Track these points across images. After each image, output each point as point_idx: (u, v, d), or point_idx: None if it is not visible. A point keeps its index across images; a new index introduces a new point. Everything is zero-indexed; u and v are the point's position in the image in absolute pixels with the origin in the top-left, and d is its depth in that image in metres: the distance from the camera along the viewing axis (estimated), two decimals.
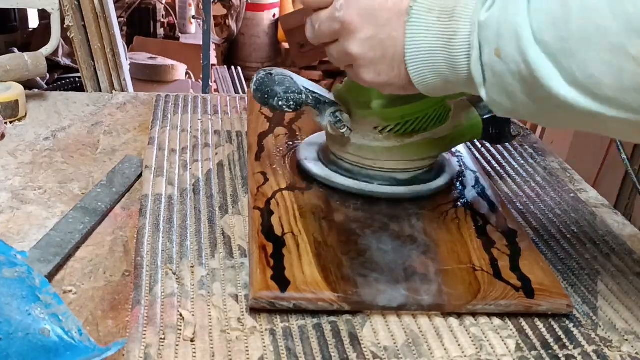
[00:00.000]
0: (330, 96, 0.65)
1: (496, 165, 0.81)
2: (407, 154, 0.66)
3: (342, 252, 0.57)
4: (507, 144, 0.84)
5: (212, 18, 2.61)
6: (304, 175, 0.69)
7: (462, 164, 0.75)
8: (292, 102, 0.62)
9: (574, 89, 0.40)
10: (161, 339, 0.48)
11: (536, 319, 0.54)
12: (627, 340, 0.53)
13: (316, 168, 0.69)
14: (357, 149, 0.66)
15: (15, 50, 1.68)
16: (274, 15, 4.01)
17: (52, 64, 1.79)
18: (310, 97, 0.63)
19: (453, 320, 0.53)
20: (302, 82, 0.64)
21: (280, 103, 0.62)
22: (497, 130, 0.71)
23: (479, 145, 0.85)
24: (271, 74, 0.63)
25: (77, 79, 1.74)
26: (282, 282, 0.52)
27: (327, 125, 0.64)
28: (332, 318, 0.52)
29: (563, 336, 0.52)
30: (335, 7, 0.52)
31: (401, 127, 0.64)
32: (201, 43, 2.57)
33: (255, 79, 0.63)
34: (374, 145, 0.65)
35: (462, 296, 0.53)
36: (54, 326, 0.45)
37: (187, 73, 2.70)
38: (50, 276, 0.55)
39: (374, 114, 0.64)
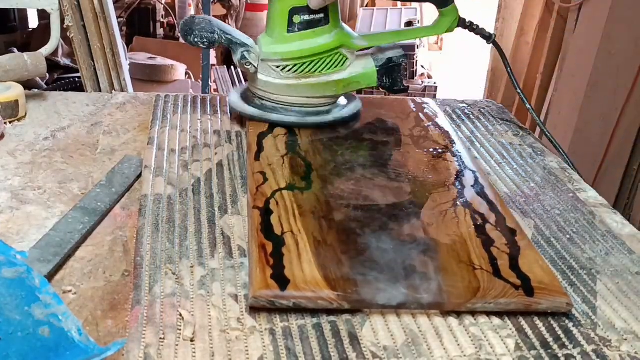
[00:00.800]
0: (243, 38, 0.78)
1: (495, 165, 0.81)
2: (304, 91, 0.80)
3: (342, 251, 0.57)
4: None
5: None
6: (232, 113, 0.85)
7: (461, 163, 0.75)
8: (205, 40, 0.76)
9: None
10: (161, 338, 0.48)
11: (535, 319, 0.54)
12: (626, 339, 0.53)
13: (236, 102, 0.84)
14: (263, 84, 0.80)
15: (15, 50, 1.68)
16: None
17: (52, 64, 1.79)
18: (224, 38, 0.77)
19: (452, 320, 0.53)
20: (220, 25, 0.78)
21: (195, 40, 0.76)
22: (389, 79, 0.84)
23: (479, 145, 0.85)
24: (193, 17, 0.78)
25: (76, 79, 1.74)
26: (282, 281, 0.52)
27: (237, 62, 0.79)
28: (331, 318, 0.52)
29: (562, 336, 0.52)
30: None
31: (298, 67, 0.79)
32: None
33: (181, 22, 0.78)
34: (277, 82, 0.80)
35: (461, 294, 0.53)
36: (53, 326, 0.45)
37: (186, 73, 2.70)
38: (50, 276, 0.55)
39: (276, 54, 0.78)
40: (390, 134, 0.81)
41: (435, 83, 3.32)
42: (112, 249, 0.61)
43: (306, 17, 0.77)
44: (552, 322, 0.54)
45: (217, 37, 0.76)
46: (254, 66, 0.78)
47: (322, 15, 0.78)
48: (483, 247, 0.59)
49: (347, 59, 0.81)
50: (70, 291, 0.54)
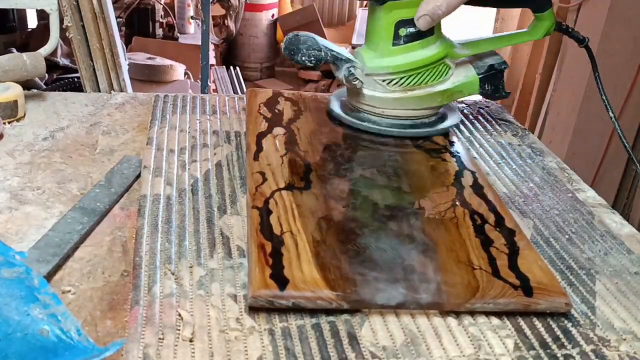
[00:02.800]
0: (346, 54, 0.77)
1: (494, 165, 0.81)
2: (410, 103, 0.79)
3: (341, 251, 0.57)
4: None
5: (210, 18, 2.61)
6: (332, 118, 0.83)
7: (460, 163, 0.75)
8: (312, 58, 0.75)
9: None
10: (160, 339, 0.48)
11: (534, 319, 0.54)
12: (625, 339, 0.53)
13: (341, 114, 0.82)
14: (369, 99, 0.79)
15: (14, 50, 1.68)
16: (272, 16, 4.02)
17: (51, 64, 1.79)
18: (329, 55, 0.75)
19: (451, 320, 0.53)
20: (324, 42, 0.76)
21: (303, 58, 0.75)
22: (492, 86, 0.83)
23: (477, 145, 0.85)
24: (297, 35, 0.75)
25: (75, 79, 1.74)
26: (281, 281, 0.52)
27: (342, 79, 0.77)
28: (330, 318, 0.52)
29: (561, 336, 0.52)
30: None
31: (405, 80, 0.78)
32: (200, 43, 2.57)
33: (285, 39, 0.76)
34: (383, 95, 0.78)
35: (460, 294, 0.53)
36: (52, 326, 0.45)
37: (185, 73, 2.70)
38: (49, 276, 0.55)
39: (382, 68, 0.77)
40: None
41: None
42: (111, 249, 0.61)
43: (412, 30, 0.76)
44: (551, 322, 0.54)
45: (323, 54, 0.75)
46: (361, 82, 0.77)
47: None
48: (482, 247, 0.59)
49: (450, 68, 0.81)
50: (69, 291, 0.54)
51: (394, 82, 0.78)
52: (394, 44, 0.77)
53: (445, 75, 0.80)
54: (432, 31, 0.78)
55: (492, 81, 0.83)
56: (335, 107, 0.83)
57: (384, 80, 0.78)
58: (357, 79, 0.76)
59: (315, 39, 0.75)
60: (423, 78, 0.78)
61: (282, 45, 0.75)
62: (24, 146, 0.78)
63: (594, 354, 0.51)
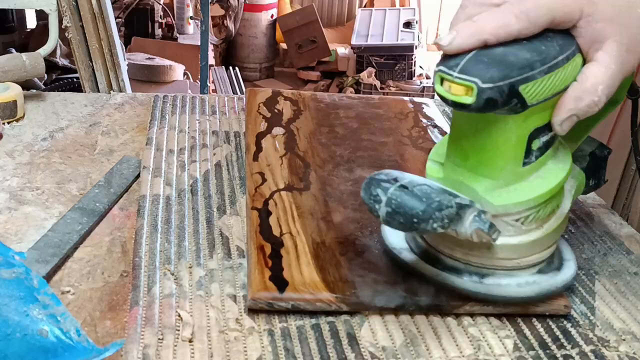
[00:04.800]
0: (460, 194, 0.49)
1: None
2: (547, 241, 0.54)
3: (340, 253, 0.57)
4: None
5: (209, 18, 2.61)
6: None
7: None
8: (446, 221, 0.47)
9: None
10: (159, 339, 0.48)
11: (534, 319, 0.54)
12: (624, 340, 0.53)
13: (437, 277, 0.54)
14: (500, 250, 0.52)
15: (13, 50, 1.68)
16: (271, 16, 4.02)
17: (50, 64, 1.79)
18: (453, 204, 0.48)
19: (451, 321, 0.53)
20: (433, 184, 0.49)
21: (435, 225, 0.47)
22: (595, 180, 0.63)
23: None
24: (406, 187, 0.47)
25: (75, 80, 1.74)
26: (280, 283, 0.52)
27: (472, 233, 0.49)
28: (330, 318, 0.52)
29: (561, 336, 0.52)
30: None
31: (542, 210, 0.52)
32: (199, 43, 2.57)
33: (385, 197, 0.47)
34: (516, 241, 0.52)
35: (460, 297, 0.53)
36: (52, 327, 0.45)
37: (185, 73, 2.70)
38: (48, 277, 0.55)
39: (517, 204, 0.51)
40: (388, 134, 0.81)
41: (433, 83, 3.31)
42: (111, 249, 0.61)
43: (545, 138, 0.52)
44: (551, 322, 0.54)
45: (453, 210, 0.47)
46: (499, 231, 0.50)
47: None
48: None
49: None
50: (68, 292, 0.54)
51: (531, 217, 0.52)
52: (524, 164, 0.51)
53: (564, 187, 0.56)
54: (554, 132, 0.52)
55: (595, 173, 0.63)
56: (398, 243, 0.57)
57: (517, 220, 0.52)
58: (497, 230, 0.50)
59: (430, 185, 0.48)
60: (557, 200, 0.54)
61: (382, 209, 0.47)
62: (24, 146, 0.78)
63: (594, 354, 0.51)
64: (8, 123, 0.83)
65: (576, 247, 0.65)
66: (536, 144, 0.51)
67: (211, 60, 2.99)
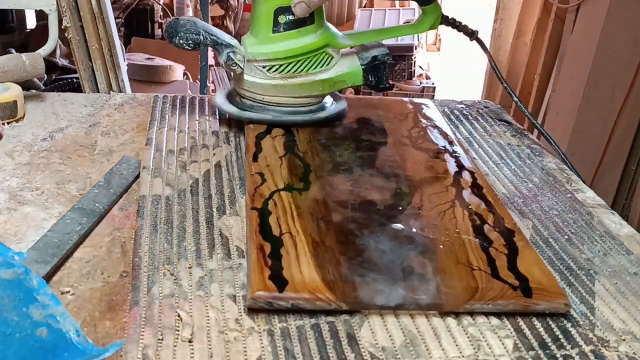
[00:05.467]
0: (228, 39, 0.77)
1: (493, 165, 0.81)
2: (291, 90, 0.80)
3: (340, 252, 0.57)
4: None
5: (209, 19, 2.61)
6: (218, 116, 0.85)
7: (459, 164, 0.75)
8: (190, 42, 0.76)
9: None
10: (159, 339, 0.48)
11: (534, 319, 0.54)
12: (624, 340, 0.53)
13: (222, 104, 0.83)
14: (249, 85, 0.80)
15: (13, 50, 1.68)
16: None
17: (50, 64, 1.79)
18: (209, 39, 0.76)
19: (451, 321, 0.53)
20: (205, 26, 0.77)
21: (180, 42, 0.76)
22: (375, 77, 0.83)
23: (477, 146, 0.85)
24: (178, 19, 0.77)
25: (74, 80, 1.74)
26: (280, 282, 0.52)
27: (222, 63, 0.78)
28: (330, 318, 0.52)
29: (561, 336, 0.52)
30: None
31: (284, 67, 0.78)
32: None
33: (166, 23, 0.77)
34: (263, 82, 0.79)
35: (460, 295, 0.53)
36: (51, 327, 0.45)
37: (184, 74, 2.70)
38: (48, 277, 0.55)
39: (262, 55, 0.78)
40: (388, 134, 0.81)
41: (433, 84, 3.32)
42: (110, 249, 0.61)
43: (291, 17, 0.77)
44: (551, 322, 0.54)
45: (202, 38, 0.76)
46: (240, 67, 0.78)
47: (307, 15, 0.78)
48: (481, 248, 0.59)
49: (332, 58, 0.81)
50: (68, 292, 0.54)
51: (274, 68, 0.78)
52: (273, 31, 0.77)
53: (327, 64, 0.80)
54: (312, 20, 0.78)
55: (376, 72, 0.83)
56: (219, 99, 0.84)
57: (264, 67, 0.78)
58: (236, 63, 0.77)
59: (195, 22, 0.76)
60: (303, 66, 0.79)
61: (164, 27, 0.76)
62: (23, 147, 0.78)
63: (593, 354, 0.51)
64: (8, 123, 0.83)
65: (576, 247, 0.65)
66: (282, 19, 0.77)
67: (211, 61, 2.99)
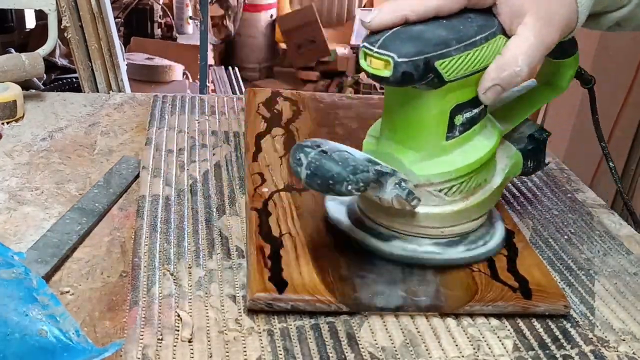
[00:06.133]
0: (383, 164, 0.52)
1: None
2: (472, 213, 0.58)
3: (340, 253, 0.57)
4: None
5: (209, 18, 2.61)
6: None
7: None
8: (362, 184, 0.50)
9: None
10: (159, 339, 0.48)
11: (533, 319, 0.54)
12: (624, 340, 0.53)
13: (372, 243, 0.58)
14: (424, 218, 0.56)
15: (13, 50, 1.68)
16: (271, 16, 4.02)
17: (50, 64, 1.79)
18: (373, 171, 0.50)
19: (450, 321, 0.53)
20: (356, 153, 0.52)
21: (349, 187, 0.49)
22: (534, 162, 0.64)
23: None
24: (325, 152, 0.50)
25: (74, 80, 1.74)
26: (280, 284, 0.52)
27: (392, 200, 0.52)
28: (329, 318, 0.52)
29: (560, 336, 0.52)
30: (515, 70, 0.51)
31: (466, 183, 0.56)
32: (198, 43, 2.57)
33: (306, 160, 0.50)
34: (440, 211, 0.56)
35: (459, 297, 0.53)
36: (51, 327, 0.45)
37: (184, 73, 2.70)
38: (48, 277, 0.55)
39: (439, 175, 0.54)
40: None
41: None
42: (110, 249, 0.60)
43: (469, 114, 0.54)
44: (550, 322, 0.54)
45: (370, 174, 0.50)
46: (418, 199, 0.54)
47: (482, 105, 0.55)
48: None
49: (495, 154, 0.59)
50: (67, 292, 0.54)
51: (454, 189, 0.55)
52: (447, 138, 0.54)
53: (495, 164, 0.60)
54: (485, 110, 0.57)
55: (535, 155, 0.64)
56: (360, 234, 0.59)
57: (441, 190, 0.55)
58: (415, 197, 0.53)
59: (349, 151, 0.51)
60: (483, 175, 0.57)
61: (303, 170, 0.50)
62: (23, 147, 0.78)
63: (593, 354, 0.51)
64: (7, 123, 0.83)
65: (576, 247, 0.65)
66: (459, 120, 0.54)
67: (210, 60, 2.99)
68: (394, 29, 0.49)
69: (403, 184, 0.52)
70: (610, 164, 0.75)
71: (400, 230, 0.57)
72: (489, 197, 0.58)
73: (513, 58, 0.51)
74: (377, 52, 0.49)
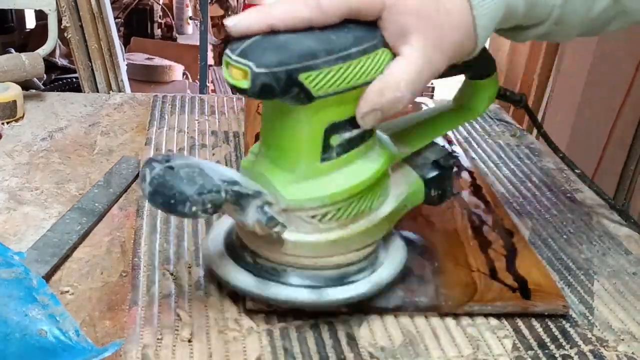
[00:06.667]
0: (248, 184, 0.47)
1: (492, 165, 0.81)
2: (353, 243, 0.51)
3: None
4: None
5: (209, 19, 2.61)
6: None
7: (458, 164, 0.75)
8: (209, 205, 0.44)
9: None
10: (158, 339, 0.48)
11: (533, 319, 0.54)
12: (623, 340, 0.53)
13: (240, 280, 0.51)
14: (294, 246, 0.50)
15: (13, 50, 1.68)
16: None
17: (50, 64, 1.79)
18: (230, 192, 0.45)
19: (450, 321, 0.53)
20: (214, 170, 0.46)
21: (194, 209, 0.43)
22: (439, 190, 0.58)
23: (476, 146, 0.85)
24: (172, 168, 0.44)
25: (74, 80, 1.74)
26: None
27: (254, 225, 0.47)
28: (329, 318, 0.52)
29: (559, 336, 0.52)
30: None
31: (344, 210, 0.50)
32: (198, 44, 2.57)
33: (148, 176, 0.44)
34: (313, 239, 0.50)
35: (458, 297, 0.53)
36: (51, 327, 0.45)
37: (184, 74, 2.70)
38: (48, 277, 0.55)
39: (312, 200, 0.48)
40: None
41: (432, 83, 3.32)
42: (110, 249, 0.61)
43: (348, 135, 0.49)
44: (549, 322, 0.54)
45: (223, 194, 0.45)
46: (284, 225, 0.48)
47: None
48: (480, 249, 0.59)
49: (388, 179, 0.54)
50: (67, 292, 0.54)
51: (329, 216, 0.49)
52: (322, 160, 0.48)
53: (386, 190, 0.54)
54: (371, 132, 0.51)
55: (440, 183, 0.58)
56: (229, 270, 0.52)
57: (314, 217, 0.49)
58: (278, 223, 0.47)
59: (202, 168, 0.45)
60: (367, 202, 0.51)
61: (146, 187, 0.44)
62: (23, 146, 0.78)
63: (592, 354, 0.51)
64: (7, 123, 0.83)
65: (575, 247, 0.65)
66: (335, 140, 0.48)
67: (210, 61, 2.99)
68: (257, 37, 0.44)
69: (266, 207, 0.47)
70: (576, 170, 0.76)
71: (271, 258, 0.51)
72: (374, 227, 0.52)
73: (395, 83, 0.46)
74: (235, 61, 0.44)
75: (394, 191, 0.54)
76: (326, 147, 0.48)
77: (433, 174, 0.57)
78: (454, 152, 0.63)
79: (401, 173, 0.56)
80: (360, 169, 0.50)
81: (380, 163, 0.51)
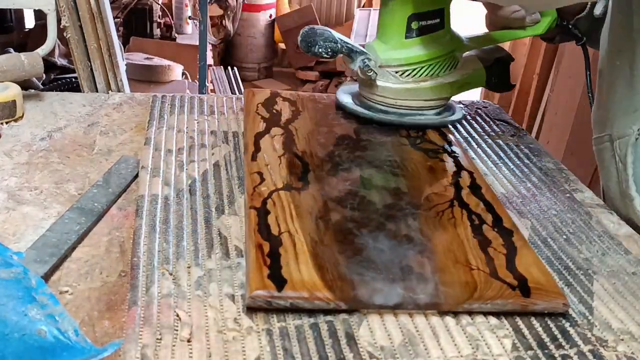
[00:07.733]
0: (360, 47, 0.79)
1: (492, 165, 0.81)
2: (422, 94, 0.82)
3: (339, 251, 0.57)
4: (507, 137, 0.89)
5: (208, 18, 2.61)
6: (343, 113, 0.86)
7: (458, 164, 0.75)
8: (329, 50, 0.77)
9: None
10: (158, 339, 0.48)
11: (532, 319, 0.54)
12: (622, 339, 0.53)
13: (353, 106, 0.85)
14: (382, 90, 0.82)
15: (12, 50, 1.68)
16: (270, 16, 4.02)
17: (49, 64, 1.79)
18: (345, 47, 0.78)
19: (449, 320, 0.53)
20: (339, 35, 0.78)
21: (320, 50, 0.76)
22: (497, 79, 0.88)
23: (475, 146, 0.85)
24: (314, 28, 0.77)
25: (73, 80, 1.74)
26: (279, 281, 0.52)
27: (357, 70, 0.80)
28: (328, 317, 0.52)
29: (559, 336, 0.52)
30: None
31: (417, 71, 0.81)
32: (197, 43, 2.57)
33: (301, 32, 0.77)
34: (395, 87, 0.81)
35: (458, 295, 0.53)
36: (50, 327, 0.45)
37: (183, 73, 2.70)
38: (47, 277, 0.55)
39: (395, 60, 0.80)
40: (387, 134, 0.81)
41: None
42: (109, 249, 0.60)
43: (424, 23, 0.79)
44: (549, 322, 0.54)
45: (339, 46, 0.77)
46: (375, 72, 0.80)
47: (438, 20, 0.80)
48: (480, 247, 0.59)
49: (458, 61, 0.84)
50: (66, 292, 0.54)
51: (407, 73, 0.80)
52: (406, 37, 0.79)
53: (454, 67, 0.83)
54: (442, 25, 0.81)
55: (498, 73, 0.87)
56: (345, 99, 0.86)
57: (397, 72, 0.80)
58: (371, 70, 0.79)
59: (330, 32, 0.78)
60: (434, 70, 0.81)
61: (299, 38, 0.76)
62: (22, 146, 0.78)
63: (592, 354, 0.51)
64: (7, 123, 0.83)
65: (574, 247, 0.65)
66: (415, 25, 0.79)
67: (210, 60, 2.99)
68: None
69: (367, 61, 0.79)
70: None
71: (369, 97, 0.83)
72: (438, 87, 0.82)
73: None
74: None
75: (460, 70, 0.84)
76: (409, 29, 0.79)
77: (494, 65, 0.87)
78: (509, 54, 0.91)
79: (470, 61, 0.86)
80: (429, 46, 0.80)
81: (445, 46, 0.81)
